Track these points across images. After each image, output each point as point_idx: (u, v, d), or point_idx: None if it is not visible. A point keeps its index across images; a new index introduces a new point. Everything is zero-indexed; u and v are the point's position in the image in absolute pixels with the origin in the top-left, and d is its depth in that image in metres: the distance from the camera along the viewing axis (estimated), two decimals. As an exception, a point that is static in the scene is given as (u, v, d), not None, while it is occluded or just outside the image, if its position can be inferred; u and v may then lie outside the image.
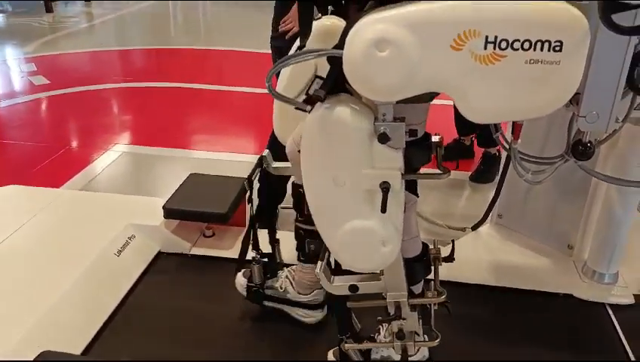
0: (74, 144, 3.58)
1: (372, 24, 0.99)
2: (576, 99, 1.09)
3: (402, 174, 1.13)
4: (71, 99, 4.34)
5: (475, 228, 2.31)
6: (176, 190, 2.20)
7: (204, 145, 3.59)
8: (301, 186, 1.26)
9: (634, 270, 2.04)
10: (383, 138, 1.10)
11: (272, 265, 1.81)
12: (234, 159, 3.30)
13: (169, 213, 2.09)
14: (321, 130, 1.14)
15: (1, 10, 8.12)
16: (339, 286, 1.35)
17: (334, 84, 1.10)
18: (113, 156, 3.34)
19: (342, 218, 1.19)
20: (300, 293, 1.75)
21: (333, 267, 1.37)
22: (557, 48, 0.95)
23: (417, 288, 1.44)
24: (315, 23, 1.28)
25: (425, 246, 1.45)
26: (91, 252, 1.92)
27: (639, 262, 2.11)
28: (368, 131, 1.11)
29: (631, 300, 1.93)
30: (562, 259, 2.11)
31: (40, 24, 6.88)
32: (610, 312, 1.88)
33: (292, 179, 1.72)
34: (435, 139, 1.26)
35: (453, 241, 1.48)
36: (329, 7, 1.32)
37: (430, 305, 1.43)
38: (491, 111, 1.04)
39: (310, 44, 1.25)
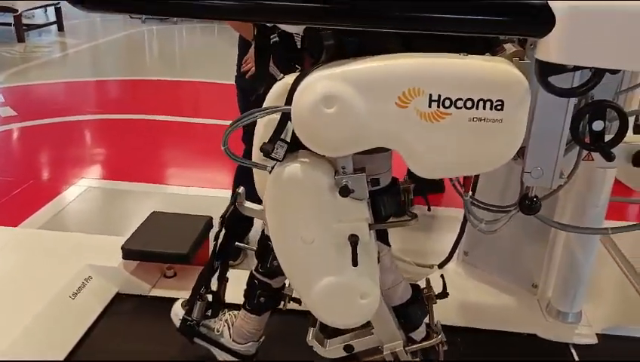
0: (39, 178, 3.51)
1: (319, 81, 1.00)
2: (522, 153, 1.11)
3: (370, 225, 1.14)
4: (38, 132, 4.28)
5: (441, 265, 2.32)
6: (136, 229, 2.16)
7: (174, 179, 3.56)
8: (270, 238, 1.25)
9: (598, 307, 2.07)
10: (345, 191, 1.11)
11: (216, 304, 1.73)
12: (203, 194, 3.27)
13: (128, 253, 2.05)
14: (282, 190, 1.14)
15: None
16: (333, 349, 1.33)
17: (294, 140, 1.10)
18: (78, 190, 3.28)
19: (315, 276, 1.19)
20: (234, 341, 1.68)
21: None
22: (498, 107, 0.97)
23: (419, 333, 1.42)
24: (277, 83, 1.28)
25: (416, 287, 1.44)
26: (46, 294, 1.87)
27: (603, 299, 2.14)
28: (329, 186, 1.12)
29: (594, 340, 1.94)
30: (527, 298, 2.12)
31: (11, 54, 6.81)
32: (574, 352, 1.89)
33: (262, 226, 1.68)
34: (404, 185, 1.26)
35: (442, 276, 1.47)
36: (289, 62, 1.32)
37: (439, 346, 1.41)
38: (438, 167, 1.05)
39: (270, 101, 1.25)
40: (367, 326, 1.36)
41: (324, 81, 1.00)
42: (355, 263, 1.12)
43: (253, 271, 1.61)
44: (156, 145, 4.09)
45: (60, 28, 8.50)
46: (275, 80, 1.33)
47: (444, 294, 1.43)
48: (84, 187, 3.34)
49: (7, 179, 3.41)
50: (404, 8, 0.87)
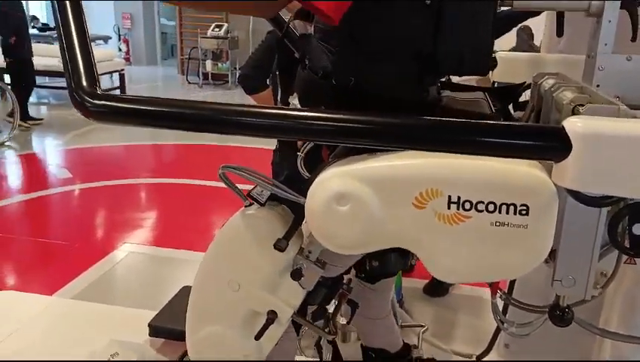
0: (84, 241, 3.59)
1: (334, 177, 0.97)
2: (554, 255, 1.02)
3: (294, 313, 1.14)
4: (89, 194, 4.44)
5: (480, 357, 2.17)
6: (165, 305, 2.14)
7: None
8: None
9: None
10: (296, 274, 1.11)
11: None
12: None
13: (155, 330, 2.02)
14: (244, 229, 1.14)
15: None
16: None
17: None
18: (120, 256, 3.33)
19: (216, 319, 1.18)
20: None
21: None
22: (523, 212, 0.90)
23: None
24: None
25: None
26: (71, 369, 1.86)
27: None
28: (286, 261, 1.11)
29: None
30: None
31: (74, 116, 7.20)
32: None
33: None
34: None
35: None
36: None
37: None
38: (459, 272, 0.98)
39: None
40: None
41: (339, 178, 0.96)
42: (258, 337, 1.12)
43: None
44: (202, 211, 4.14)
45: (123, 92, 8.98)
46: None
47: None
48: (125, 252, 3.39)
49: (54, 242, 3.51)
50: (416, 130, 0.84)
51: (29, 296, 2.42)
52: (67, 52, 0.86)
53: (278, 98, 2.40)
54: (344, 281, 1.32)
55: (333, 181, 0.96)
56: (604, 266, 1.13)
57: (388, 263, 1.26)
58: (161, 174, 5.03)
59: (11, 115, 6.16)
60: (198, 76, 10.52)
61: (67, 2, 0.91)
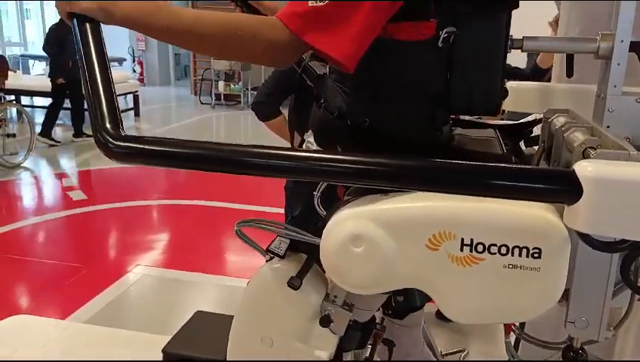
0: (97, 263, 3.63)
1: (348, 219, 0.99)
2: (567, 295, 1.03)
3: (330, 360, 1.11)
4: (104, 216, 4.49)
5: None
6: (178, 330, 2.15)
7: (229, 269, 3.58)
8: None
9: None
10: (325, 321, 1.10)
11: None
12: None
13: (168, 357, 2.03)
14: (269, 286, 1.13)
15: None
16: None
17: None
18: (133, 278, 3.36)
19: None
20: None
21: None
22: (535, 255, 0.91)
23: None
24: None
25: None
26: (84, 397, 1.87)
27: None
28: (314, 309, 1.11)
29: None
30: None
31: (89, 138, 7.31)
32: None
33: None
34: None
35: None
36: None
37: None
38: (472, 313, 0.99)
39: None
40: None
41: (354, 219, 0.98)
42: None
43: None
44: (215, 232, 4.16)
45: (137, 113, 9.10)
46: None
47: None
48: (138, 275, 3.42)
49: (69, 264, 3.55)
50: (429, 173, 0.86)
51: (42, 319, 2.44)
52: (91, 94, 0.90)
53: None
54: (377, 321, 1.29)
55: (348, 222, 0.98)
56: (617, 302, 1.14)
57: (412, 297, 1.27)
58: (175, 195, 5.07)
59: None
60: (211, 97, 10.64)
61: (91, 45, 0.95)
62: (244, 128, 9.15)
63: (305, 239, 1.07)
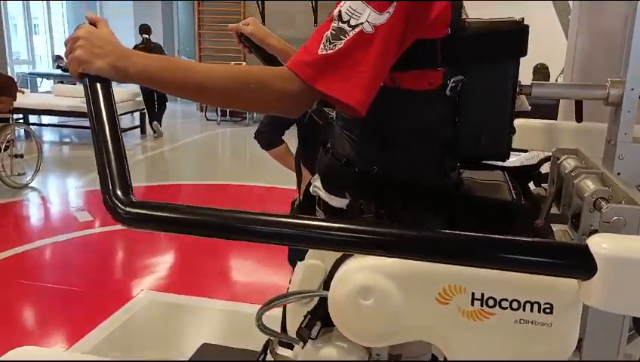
0: (102, 288, 3.61)
1: (357, 272, 0.98)
2: (580, 345, 1.02)
3: None
4: (109, 238, 4.48)
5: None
6: (185, 364, 2.15)
7: (238, 294, 3.53)
8: None
9: None
10: None
11: None
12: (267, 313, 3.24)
13: (174, 392, 2.02)
14: None
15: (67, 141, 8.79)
16: None
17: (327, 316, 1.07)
18: (138, 305, 3.34)
19: None
20: None
21: None
22: (547, 310, 0.91)
23: None
24: (299, 265, 1.24)
25: None
26: None
27: None
28: None
29: None
30: None
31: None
32: None
33: None
34: None
35: None
36: None
37: None
38: (482, 366, 0.98)
39: (297, 285, 1.19)
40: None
41: (363, 271, 0.98)
42: None
43: None
44: (223, 256, 4.14)
45: (143, 131, 9.14)
46: None
47: None
48: (144, 300, 3.40)
49: (73, 289, 3.54)
50: (438, 245, 0.83)
51: (48, 351, 2.42)
52: (101, 158, 0.90)
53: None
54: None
55: (357, 275, 0.98)
56: (631, 348, 1.13)
57: None
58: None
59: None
60: (217, 113, 10.68)
61: (102, 105, 0.95)
62: (249, 145, 9.15)
63: (314, 295, 1.06)
